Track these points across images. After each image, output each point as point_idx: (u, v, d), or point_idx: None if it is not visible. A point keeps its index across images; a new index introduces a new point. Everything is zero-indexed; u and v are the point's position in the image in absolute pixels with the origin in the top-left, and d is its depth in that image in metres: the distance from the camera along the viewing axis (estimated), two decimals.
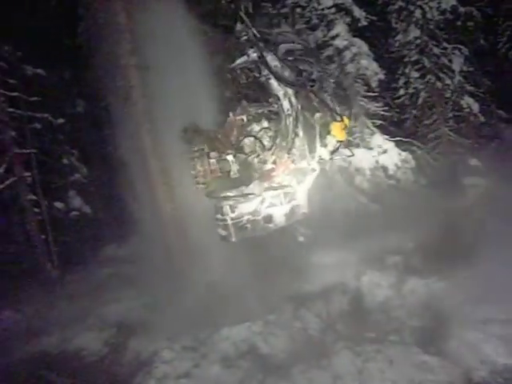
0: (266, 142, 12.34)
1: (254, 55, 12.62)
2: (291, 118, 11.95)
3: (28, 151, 19.38)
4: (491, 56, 26.73)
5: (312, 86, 11.18)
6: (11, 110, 19.01)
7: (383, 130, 21.84)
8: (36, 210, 19.32)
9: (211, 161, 11.61)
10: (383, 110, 22.00)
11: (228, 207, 11.75)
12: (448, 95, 24.88)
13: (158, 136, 16.84)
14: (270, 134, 12.19)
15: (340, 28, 20.84)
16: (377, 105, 21.60)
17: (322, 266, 16.04)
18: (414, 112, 26.02)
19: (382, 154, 20.51)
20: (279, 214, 12.12)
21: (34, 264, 19.26)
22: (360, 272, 14.89)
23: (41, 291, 18.25)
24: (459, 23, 25.30)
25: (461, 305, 12.05)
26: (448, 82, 24.71)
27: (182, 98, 15.30)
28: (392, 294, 13.55)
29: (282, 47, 12.77)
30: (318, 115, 10.57)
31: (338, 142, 11.11)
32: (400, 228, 17.96)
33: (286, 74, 12.08)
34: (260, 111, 12.74)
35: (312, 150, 11.52)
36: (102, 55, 19.10)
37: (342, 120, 11.42)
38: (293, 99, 12.32)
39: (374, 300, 13.29)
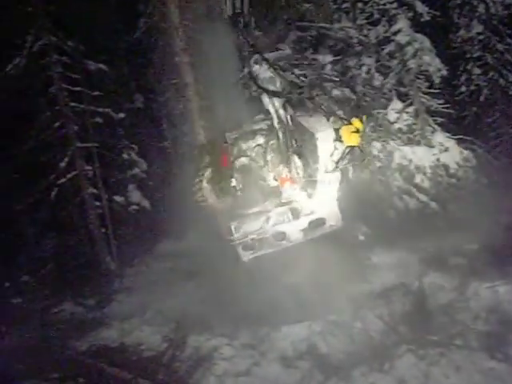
0: (260, 158, 12.23)
1: (246, 70, 12.59)
2: (281, 132, 11.78)
3: (90, 145, 19.65)
4: None
5: (300, 94, 10.95)
6: (74, 104, 19.31)
7: (444, 127, 21.41)
8: (96, 203, 19.60)
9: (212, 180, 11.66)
10: (444, 107, 21.52)
11: (233, 227, 11.81)
12: (511, 92, 24.26)
13: (213, 133, 16.89)
14: (263, 150, 12.08)
15: (402, 23, 20.44)
16: (439, 102, 21.15)
17: (383, 266, 15.85)
18: (475, 109, 25.50)
19: (444, 152, 20.09)
20: (294, 231, 11.98)
21: (94, 257, 19.55)
22: (421, 273, 14.56)
23: (100, 284, 18.57)
24: None
25: None
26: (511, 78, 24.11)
27: (233, 96, 15.31)
28: (455, 296, 13.13)
29: (271, 55, 12.60)
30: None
31: (349, 147, 10.84)
32: (462, 228, 17.58)
33: (275, 84, 11.94)
34: (257, 127, 12.68)
35: (315, 161, 11.27)
36: (158, 52, 19.33)
37: (350, 123, 11.12)
38: (281, 112, 12.15)
39: (436, 302, 12.90)
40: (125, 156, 21.42)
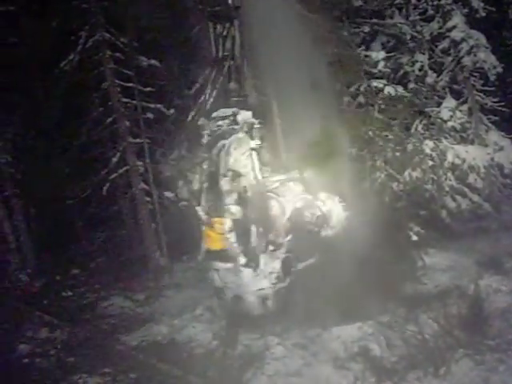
0: None
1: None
2: None
3: (141, 141, 19.78)
4: None
5: None
6: (126, 100, 19.47)
7: (498, 126, 20.98)
8: (147, 199, 19.69)
9: None
10: (499, 105, 21.07)
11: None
12: None
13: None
14: None
15: (457, 19, 20.08)
16: (494, 100, 20.72)
17: (436, 267, 15.57)
18: None
19: (498, 151, 19.68)
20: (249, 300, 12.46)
21: (143, 252, 19.68)
22: (476, 275, 14.22)
23: (149, 279, 18.69)
24: None
25: None
26: None
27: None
28: None
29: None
30: None
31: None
32: None
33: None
34: None
35: None
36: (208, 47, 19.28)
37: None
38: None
39: (492, 306, 12.46)
40: (175, 152, 21.46)
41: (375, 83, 19.64)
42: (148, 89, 19.88)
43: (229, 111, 13.16)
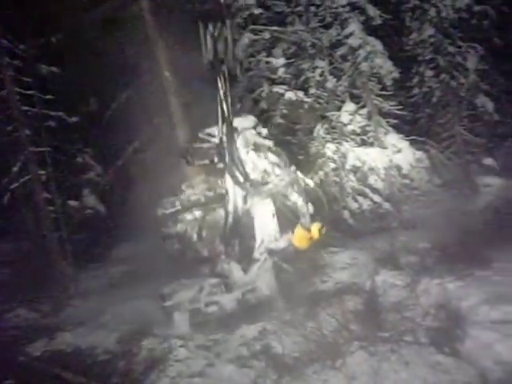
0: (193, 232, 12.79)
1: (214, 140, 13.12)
2: (231, 218, 12.33)
3: (43, 149, 19.43)
4: (506, 54, 26.31)
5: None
6: (26, 108, 19.10)
7: (397, 128, 21.73)
8: (50, 208, 19.36)
9: None
10: (397, 109, 21.85)
11: (165, 295, 12.48)
12: (462, 94, 24.61)
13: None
14: (198, 226, 12.60)
15: (354, 26, 20.74)
16: (391, 103, 21.48)
17: (336, 265, 16.00)
18: (428, 111, 25.84)
19: (397, 153, 20.38)
20: (228, 300, 12.61)
21: (49, 262, 19.32)
22: (374, 272, 14.75)
23: (55, 289, 18.36)
24: (474, 21, 25.08)
25: (476, 305, 11.77)
26: (462, 80, 24.42)
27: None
28: (406, 294, 13.29)
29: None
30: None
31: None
32: (414, 227, 17.98)
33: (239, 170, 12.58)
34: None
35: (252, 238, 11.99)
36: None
37: (309, 230, 12.81)
38: (239, 202, 12.72)
39: (387, 300, 13.00)
40: (79, 160, 21.26)
41: (276, 89, 20.07)
42: (49, 96, 19.54)
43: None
